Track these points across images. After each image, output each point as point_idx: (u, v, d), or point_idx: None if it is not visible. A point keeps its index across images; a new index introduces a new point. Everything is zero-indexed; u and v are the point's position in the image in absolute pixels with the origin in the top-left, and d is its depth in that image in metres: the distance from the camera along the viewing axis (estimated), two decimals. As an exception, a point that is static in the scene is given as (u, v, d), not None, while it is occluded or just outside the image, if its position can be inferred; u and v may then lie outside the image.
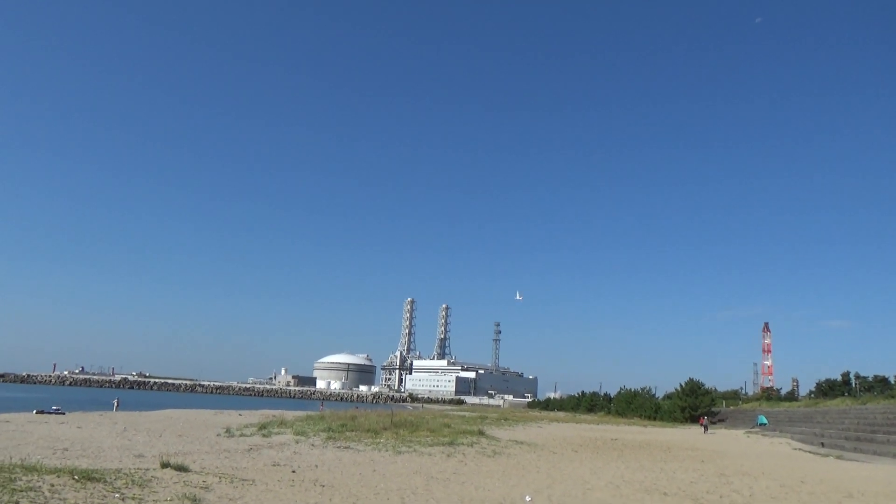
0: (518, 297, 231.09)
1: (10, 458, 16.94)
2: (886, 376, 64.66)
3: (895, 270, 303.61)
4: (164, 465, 16.75)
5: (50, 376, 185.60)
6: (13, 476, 12.35)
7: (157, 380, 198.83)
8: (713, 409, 76.13)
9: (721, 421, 70.41)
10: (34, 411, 42.36)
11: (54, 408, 45.53)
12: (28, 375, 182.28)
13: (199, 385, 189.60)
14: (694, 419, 67.67)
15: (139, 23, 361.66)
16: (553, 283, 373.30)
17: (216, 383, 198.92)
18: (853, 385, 68.49)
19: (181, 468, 16.69)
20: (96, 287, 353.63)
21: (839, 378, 72.12)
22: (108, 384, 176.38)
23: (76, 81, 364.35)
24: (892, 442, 30.43)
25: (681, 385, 77.23)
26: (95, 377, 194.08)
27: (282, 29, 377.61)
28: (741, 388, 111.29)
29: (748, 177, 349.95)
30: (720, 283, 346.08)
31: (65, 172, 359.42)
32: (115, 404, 56.59)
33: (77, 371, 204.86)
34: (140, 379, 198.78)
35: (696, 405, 71.89)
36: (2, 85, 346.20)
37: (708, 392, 78.84)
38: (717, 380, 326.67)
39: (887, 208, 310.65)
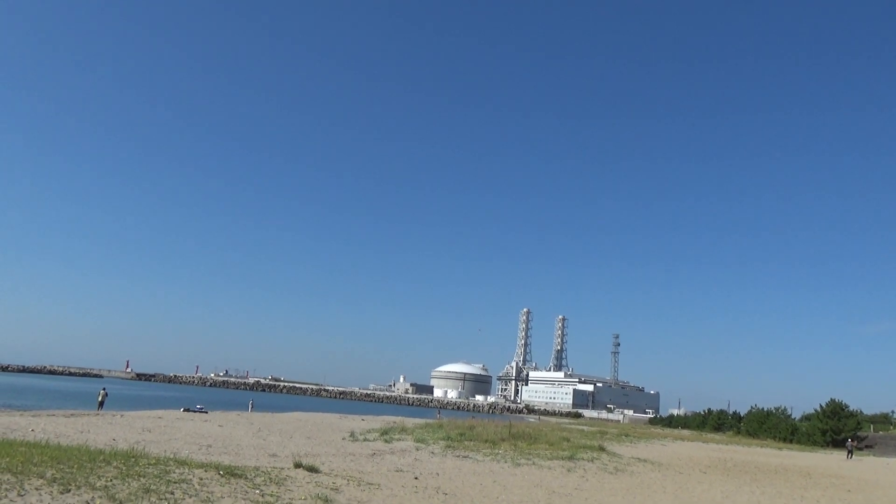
0: (478, 330, 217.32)
1: (164, 451, 18.56)
2: None
3: None
4: (297, 466, 17.71)
5: (193, 377, 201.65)
6: (168, 469, 13.56)
7: (286, 383, 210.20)
8: (859, 433, 69.68)
9: (869, 447, 64.26)
10: (181, 409, 46.06)
11: (198, 406, 49.20)
12: (175, 376, 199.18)
13: (324, 390, 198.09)
14: (837, 443, 62.28)
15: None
16: (676, 294, 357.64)
17: (340, 388, 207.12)
18: None
19: (312, 469, 17.58)
20: (234, 295, 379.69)
21: None
22: (243, 386, 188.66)
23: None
24: None
25: (821, 406, 71.45)
26: (233, 379, 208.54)
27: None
28: (893, 412, 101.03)
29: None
30: (865, 293, 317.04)
31: (184, 178, 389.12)
32: (251, 405, 60.34)
33: (221, 374, 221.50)
34: (272, 382, 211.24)
35: (838, 428, 66.15)
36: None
37: (853, 414, 72.30)
38: (863, 401, 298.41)
39: None
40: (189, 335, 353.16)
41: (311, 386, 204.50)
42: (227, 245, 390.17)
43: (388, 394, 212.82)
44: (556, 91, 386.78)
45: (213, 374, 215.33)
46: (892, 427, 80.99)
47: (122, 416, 34.35)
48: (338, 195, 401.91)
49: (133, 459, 13.79)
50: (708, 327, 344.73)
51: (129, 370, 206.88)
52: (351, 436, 32.57)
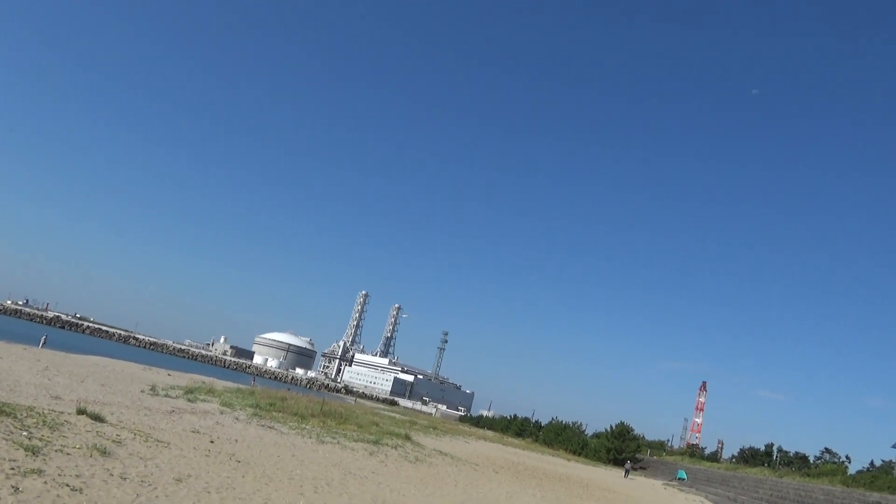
0: (404, 315, 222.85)
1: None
2: (807, 454, 66.55)
3: (836, 353, 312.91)
4: (80, 412, 16.31)
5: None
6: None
7: (91, 324, 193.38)
8: (638, 455, 77.33)
9: (643, 468, 71.55)
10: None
11: (-23, 333, 43.85)
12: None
13: (134, 337, 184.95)
14: (618, 462, 68.60)
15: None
16: (505, 303, 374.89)
17: (151, 338, 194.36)
18: (774, 457, 70.30)
19: (97, 418, 16.26)
20: (41, 222, 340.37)
21: (762, 448, 73.97)
22: (39, 319, 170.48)
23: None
24: (798, 518, 31.27)
25: (611, 426, 78.31)
26: (27, 310, 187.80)
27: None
28: (668, 441, 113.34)
29: (719, 231, 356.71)
30: (668, 335, 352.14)
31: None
32: (42, 341, 54.78)
33: (21, 302, 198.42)
34: (74, 320, 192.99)
35: (621, 448, 72.91)
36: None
37: (636, 438, 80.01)
38: (647, 428, 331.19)
39: (828, 287, 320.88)
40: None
41: (119, 331, 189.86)
42: (49, 167, 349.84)
43: (204, 353, 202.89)
44: (393, 79, 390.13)
45: (9, 302, 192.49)
46: (664, 454, 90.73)
47: None
48: (176, 131, 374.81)
49: None
50: (528, 340, 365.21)
51: None
52: (151, 389, 30.61)
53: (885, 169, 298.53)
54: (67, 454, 11.57)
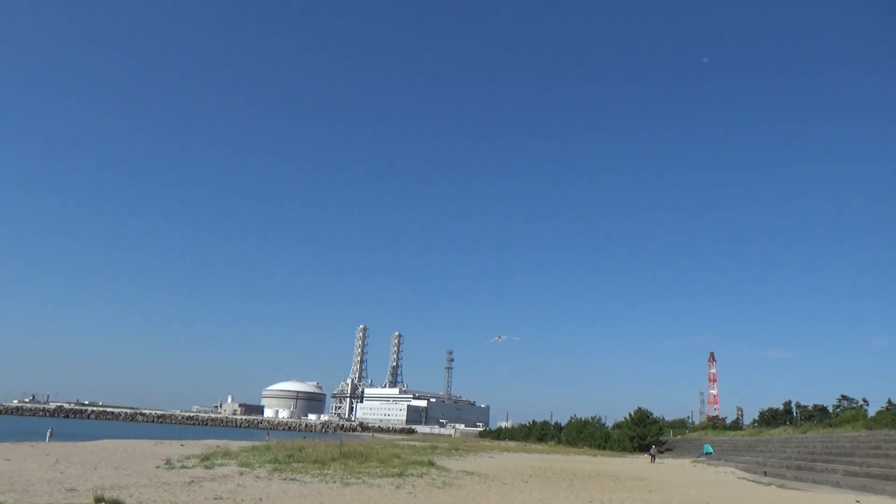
0: (499, 339, 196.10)
1: (-71, 494, 15.90)
2: (825, 405, 66.78)
3: (834, 300, 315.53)
4: (98, 500, 16.01)
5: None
6: (-70, 513, 11.57)
7: (95, 408, 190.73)
8: (661, 437, 77.13)
9: (668, 450, 71.35)
10: (-42, 442, 40.00)
11: (-20, 438, 43.10)
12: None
13: (140, 414, 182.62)
14: (643, 448, 68.39)
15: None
16: (504, 310, 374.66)
17: (158, 412, 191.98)
18: (794, 414, 70.45)
19: (116, 502, 15.96)
20: (29, 312, 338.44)
21: (781, 407, 74.10)
22: (42, 413, 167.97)
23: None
24: (830, 470, 31.30)
25: (630, 414, 78.12)
26: (28, 405, 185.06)
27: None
28: (688, 417, 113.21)
29: (692, 206, 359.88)
30: (664, 313, 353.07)
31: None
32: (48, 434, 53.87)
33: (28, 399, 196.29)
34: (77, 407, 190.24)
35: (644, 434, 72.74)
36: None
37: (656, 421, 79.91)
38: (665, 409, 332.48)
39: (825, 236, 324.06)
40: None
41: (125, 410, 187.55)
42: (25, 254, 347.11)
43: (213, 416, 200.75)
44: (385, 104, 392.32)
45: (16, 401, 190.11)
46: (687, 431, 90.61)
47: None
48: (156, 202, 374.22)
49: None
50: (533, 344, 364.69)
51: None
52: (167, 463, 30.13)
53: (878, 113, 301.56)
54: (92, 546, 11.33)
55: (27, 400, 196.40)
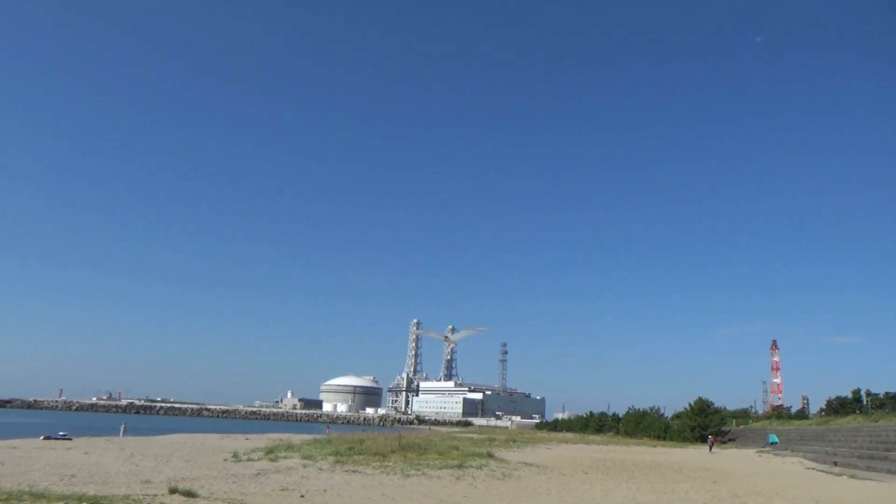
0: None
1: (19, 485, 16.90)
2: (898, 393, 63.79)
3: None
4: (173, 491, 16.69)
5: (57, 402, 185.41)
6: (22, 503, 12.33)
7: (163, 404, 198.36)
8: (723, 428, 75.31)
9: (731, 440, 69.60)
10: (41, 437, 42.23)
11: (61, 433, 45.37)
12: (35, 401, 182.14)
13: (206, 409, 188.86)
14: (704, 439, 66.95)
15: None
16: (559, 303, 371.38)
17: (222, 407, 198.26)
18: (864, 402, 67.60)
19: (189, 493, 16.63)
20: (102, 314, 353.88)
21: (850, 395, 71.18)
22: (115, 409, 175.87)
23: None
24: (906, 460, 30.02)
25: (690, 405, 76.45)
26: (102, 402, 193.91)
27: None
28: (751, 407, 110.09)
29: (754, 193, 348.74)
30: (723, 300, 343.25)
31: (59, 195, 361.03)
32: (122, 429, 56.38)
33: (104, 397, 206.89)
34: (147, 403, 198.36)
35: (705, 424, 71.16)
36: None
37: (717, 411, 78.02)
38: (726, 398, 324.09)
39: (892, 222, 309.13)
40: (51, 356, 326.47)
41: (191, 406, 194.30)
42: (96, 260, 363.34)
43: (275, 410, 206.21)
44: (435, 103, 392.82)
45: (94, 398, 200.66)
46: (750, 421, 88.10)
47: (-31, 448, 30.99)
48: (214, 206, 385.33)
49: (-20, 496, 12.45)
50: (589, 335, 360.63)
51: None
52: (234, 456, 31.18)
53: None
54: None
55: (103, 397, 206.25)
